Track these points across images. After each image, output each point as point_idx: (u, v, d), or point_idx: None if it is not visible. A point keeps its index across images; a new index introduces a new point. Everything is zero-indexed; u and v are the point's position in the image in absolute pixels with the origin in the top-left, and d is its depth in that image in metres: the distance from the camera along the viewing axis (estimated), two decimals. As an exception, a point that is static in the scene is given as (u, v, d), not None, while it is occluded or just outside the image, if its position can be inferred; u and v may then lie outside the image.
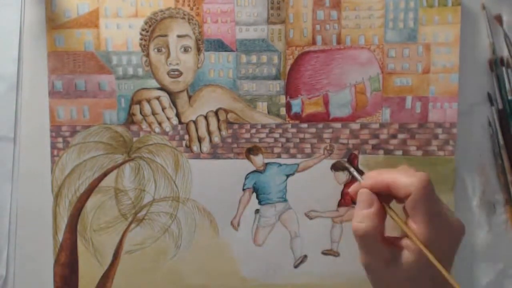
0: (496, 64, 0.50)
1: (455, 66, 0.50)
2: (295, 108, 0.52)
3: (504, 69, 0.50)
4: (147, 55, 0.52)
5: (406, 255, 0.37)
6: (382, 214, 0.39)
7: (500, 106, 0.50)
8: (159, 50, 0.52)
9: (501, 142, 0.50)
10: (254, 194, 0.52)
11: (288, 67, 0.51)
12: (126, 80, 0.52)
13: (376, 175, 0.40)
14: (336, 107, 0.51)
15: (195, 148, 0.52)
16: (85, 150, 0.53)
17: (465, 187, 0.51)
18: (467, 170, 0.51)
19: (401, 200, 0.39)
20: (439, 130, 0.51)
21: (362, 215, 0.39)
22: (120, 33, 0.52)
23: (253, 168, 0.52)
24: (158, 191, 0.53)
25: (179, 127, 0.52)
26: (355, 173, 0.45)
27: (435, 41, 0.50)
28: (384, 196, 0.40)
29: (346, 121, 0.51)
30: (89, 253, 0.53)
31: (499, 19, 0.50)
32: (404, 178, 0.38)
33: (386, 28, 0.50)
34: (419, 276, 0.37)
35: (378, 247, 0.38)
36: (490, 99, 0.51)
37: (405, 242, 0.38)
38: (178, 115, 0.52)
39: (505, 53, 0.50)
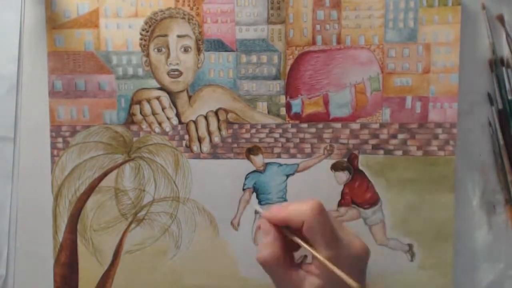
0: (496, 64, 0.50)
1: (455, 66, 0.50)
2: (295, 108, 0.52)
3: (504, 69, 0.50)
4: (147, 55, 0.52)
5: (311, 280, 0.39)
6: (282, 242, 0.40)
7: (500, 106, 0.50)
8: (159, 50, 0.52)
9: (501, 142, 0.50)
10: (254, 194, 0.52)
11: (288, 67, 0.51)
12: (126, 80, 0.52)
13: (275, 210, 0.41)
14: (336, 107, 0.51)
15: (195, 148, 0.52)
16: (85, 150, 0.53)
17: (465, 187, 0.51)
18: (467, 170, 0.51)
19: (299, 230, 0.40)
20: (439, 130, 0.51)
21: (262, 244, 0.41)
22: (120, 33, 0.52)
23: (253, 168, 0.52)
24: (158, 191, 0.53)
25: (179, 127, 0.52)
26: (258, 207, 0.49)
27: (435, 41, 0.50)
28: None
29: (346, 121, 0.51)
30: (89, 253, 0.53)
31: (501, 18, 0.50)
32: (295, 210, 0.40)
33: (386, 28, 0.50)
34: None
35: (282, 273, 0.39)
36: (490, 99, 0.51)
37: (309, 267, 0.39)
38: (178, 115, 0.52)
39: (505, 53, 0.50)
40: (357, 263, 0.39)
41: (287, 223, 0.40)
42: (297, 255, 0.43)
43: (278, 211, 0.41)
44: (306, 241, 0.39)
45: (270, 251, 0.40)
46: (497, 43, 0.50)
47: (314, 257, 0.39)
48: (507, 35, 0.50)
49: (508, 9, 0.50)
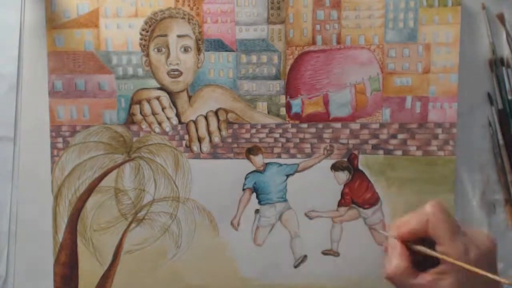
0: (496, 64, 0.50)
1: (455, 66, 0.50)
2: (295, 108, 0.52)
3: (504, 69, 0.50)
4: (147, 55, 0.52)
5: (446, 280, 0.38)
6: (407, 255, 0.41)
7: (500, 106, 0.50)
8: (159, 50, 0.52)
9: (501, 142, 0.50)
10: (254, 194, 0.52)
11: (288, 67, 0.51)
12: (126, 80, 0.52)
13: (399, 225, 0.42)
14: (336, 107, 0.51)
15: (195, 148, 0.52)
16: (85, 150, 0.53)
17: (465, 187, 0.51)
18: (467, 170, 0.51)
19: (425, 236, 0.40)
20: (439, 130, 0.51)
21: (387, 259, 0.41)
22: (120, 33, 0.52)
23: (253, 168, 0.52)
24: (158, 191, 0.53)
25: (179, 127, 0.52)
26: (384, 232, 0.48)
27: (435, 41, 0.50)
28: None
29: (346, 121, 0.51)
30: (89, 253, 0.53)
31: (501, 18, 0.50)
32: (417, 214, 0.40)
33: (386, 28, 0.50)
34: None
35: (412, 283, 0.40)
36: (490, 99, 0.51)
37: (439, 269, 0.39)
38: (178, 115, 0.52)
39: (505, 53, 0.50)
40: (487, 256, 0.39)
41: (414, 231, 0.40)
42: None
43: (402, 224, 0.41)
44: (433, 249, 0.39)
45: (395, 264, 0.40)
46: (497, 43, 0.50)
47: (441, 258, 0.38)
48: (507, 34, 0.50)
49: (508, 9, 0.50)
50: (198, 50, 0.52)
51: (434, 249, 0.39)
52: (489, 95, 0.51)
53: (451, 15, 0.50)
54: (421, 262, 0.40)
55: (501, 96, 0.50)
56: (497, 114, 0.50)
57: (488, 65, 0.50)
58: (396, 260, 0.40)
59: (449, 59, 0.50)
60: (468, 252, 0.38)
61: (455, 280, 0.38)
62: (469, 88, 0.51)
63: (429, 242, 0.40)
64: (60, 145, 0.53)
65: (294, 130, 0.52)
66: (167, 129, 0.52)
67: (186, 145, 0.52)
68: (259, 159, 0.52)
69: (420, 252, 0.40)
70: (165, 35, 0.52)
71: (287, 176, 0.52)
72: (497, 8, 0.50)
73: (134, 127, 0.53)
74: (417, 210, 0.41)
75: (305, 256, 0.52)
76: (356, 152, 0.51)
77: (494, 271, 0.40)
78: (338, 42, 0.51)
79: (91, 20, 0.52)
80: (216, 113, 0.52)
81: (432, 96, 0.50)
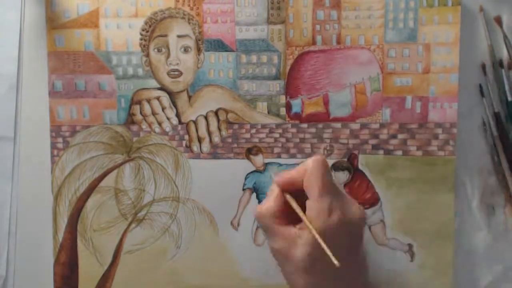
0: (494, 66, 0.50)
1: (455, 66, 0.50)
2: (295, 108, 0.52)
3: (503, 71, 0.50)
4: (147, 55, 0.52)
5: (305, 236, 0.38)
6: (281, 201, 0.41)
7: (497, 109, 0.50)
8: (159, 50, 0.52)
9: (500, 143, 0.50)
10: (254, 194, 0.52)
11: (288, 67, 0.51)
12: (126, 80, 0.52)
13: (283, 173, 0.43)
14: (336, 107, 0.51)
15: (195, 148, 0.52)
16: (85, 150, 0.53)
17: (465, 188, 0.51)
18: (467, 170, 0.51)
19: (301, 192, 0.41)
20: (439, 130, 0.51)
21: (263, 201, 0.42)
22: (120, 33, 0.52)
23: (253, 168, 0.52)
24: (158, 191, 0.53)
25: (179, 127, 0.52)
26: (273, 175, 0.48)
27: (435, 41, 0.50)
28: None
29: (346, 121, 0.51)
30: (89, 253, 0.53)
31: (498, 20, 0.50)
32: (300, 166, 0.41)
33: (386, 28, 0.50)
34: (314, 266, 0.38)
35: (275, 228, 0.40)
36: (482, 92, 0.50)
37: (303, 225, 0.39)
38: (178, 115, 0.52)
39: (504, 55, 0.50)
40: (350, 225, 0.39)
41: (292, 180, 0.40)
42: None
43: (286, 172, 0.42)
44: (303, 209, 0.39)
45: (266, 205, 0.41)
46: (496, 45, 0.50)
47: (303, 221, 0.38)
48: (505, 37, 0.50)
49: (506, 11, 0.50)
50: (198, 50, 0.52)
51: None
52: (481, 90, 0.50)
53: (451, 15, 0.50)
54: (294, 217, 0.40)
55: (500, 98, 0.50)
56: (493, 116, 0.50)
57: (483, 67, 0.50)
58: (269, 202, 0.41)
59: (449, 59, 0.50)
60: (331, 213, 0.38)
61: (311, 238, 0.38)
62: (469, 88, 0.51)
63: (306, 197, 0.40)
64: (60, 145, 0.53)
65: (294, 130, 0.52)
66: (167, 129, 0.52)
67: (186, 145, 0.52)
68: (259, 159, 0.52)
69: (290, 203, 0.40)
70: (165, 35, 0.52)
71: (287, 176, 0.52)
72: (496, 10, 0.50)
73: (134, 127, 0.53)
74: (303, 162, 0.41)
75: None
76: (356, 152, 0.51)
77: (355, 247, 0.40)
78: (338, 42, 0.51)
79: (91, 20, 0.52)
80: (216, 113, 0.52)
81: (432, 96, 0.50)
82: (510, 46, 0.50)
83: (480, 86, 0.50)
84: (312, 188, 0.39)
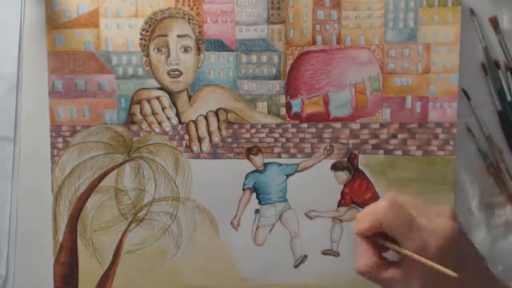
0: (490, 67, 0.50)
1: (455, 66, 0.50)
2: (295, 108, 0.52)
3: (500, 71, 0.50)
4: (147, 55, 0.52)
5: (417, 272, 0.38)
6: (374, 249, 0.41)
7: (499, 108, 0.50)
8: (159, 50, 0.52)
9: (501, 143, 0.50)
10: (254, 194, 0.52)
11: (288, 67, 0.51)
12: (126, 80, 0.52)
13: (359, 221, 0.42)
14: (336, 107, 0.51)
15: (195, 148, 0.52)
16: (85, 150, 0.53)
17: (465, 188, 0.51)
18: (467, 170, 0.51)
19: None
20: (439, 130, 0.51)
21: (358, 255, 0.41)
22: (120, 33, 0.52)
23: (253, 168, 0.52)
24: (158, 191, 0.53)
25: (179, 127, 0.52)
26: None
27: (435, 41, 0.50)
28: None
29: (346, 121, 0.51)
30: (89, 253, 0.53)
31: (493, 21, 0.50)
32: (371, 210, 0.40)
33: (386, 28, 0.50)
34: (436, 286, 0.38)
35: (384, 277, 0.40)
36: (485, 70, 0.50)
37: (410, 261, 0.39)
38: (178, 115, 0.52)
39: (500, 56, 0.50)
40: (450, 246, 0.38)
41: (371, 228, 0.40)
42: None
43: (361, 221, 0.41)
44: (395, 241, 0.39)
45: (363, 261, 0.40)
46: (492, 46, 0.50)
47: (406, 255, 0.38)
48: (501, 38, 0.50)
49: (501, 12, 0.50)
50: (198, 50, 0.52)
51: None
52: (465, 92, 0.50)
53: (451, 15, 0.50)
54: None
55: (500, 98, 0.50)
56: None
57: (482, 68, 0.50)
58: (362, 256, 0.40)
59: (449, 59, 0.50)
60: (426, 246, 0.37)
61: (422, 268, 0.37)
62: (469, 88, 0.51)
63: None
64: (60, 145, 0.53)
65: (294, 130, 0.52)
66: (167, 129, 0.52)
67: (186, 145, 0.52)
68: (259, 159, 0.52)
69: (385, 245, 0.40)
70: (165, 35, 0.52)
71: (287, 176, 0.52)
72: (493, 10, 0.50)
73: (134, 127, 0.53)
74: (374, 205, 0.40)
75: (305, 256, 0.52)
76: (356, 152, 0.51)
77: (465, 250, 0.39)
78: (338, 42, 0.51)
79: (91, 20, 0.52)
80: (216, 113, 0.52)
81: (432, 96, 0.50)
82: (506, 47, 0.50)
83: (464, 90, 0.50)
84: (397, 232, 0.38)
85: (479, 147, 0.51)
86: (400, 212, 0.39)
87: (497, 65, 0.50)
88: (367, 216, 0.41)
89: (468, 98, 0.50)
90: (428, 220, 0.39)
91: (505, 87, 0.50)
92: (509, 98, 0.50)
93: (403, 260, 0.40)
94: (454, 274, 0.35)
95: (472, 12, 0.50)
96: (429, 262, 0.36)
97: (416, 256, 0.37)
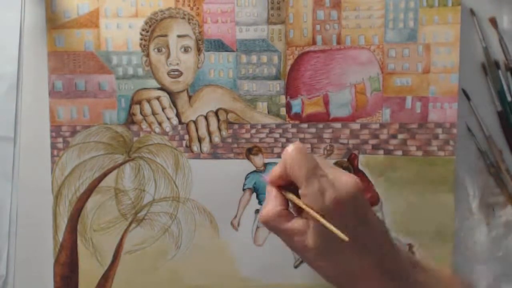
0: (491, 67, 0.50)
1: (455, 66, 0.50)
2: (295, 108, 0.52)
3: (500, 72, 0.50)
4: (147, 55, 0.52)
5: (315, 224, 0.38)
6: (281, 199, 0.40)
7: (499, 108, 0.50)
8: (159, 50, 0.52)
9: (501, 143, 0.50)
10: (254, 194, 0.52)
11: (288, 67, 0.51)
12: (126, 80, 0.52)
13: (272, 171, 0.41)
14: (336, 107, 0.51)
15: (195, 148, 0.52)
16: (85, 150, 0.53)
17: (465, 188, 0.51)
18: (467, 170, 0.51)
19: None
20: (439, 130, 0.51)
21: (264, 205, 0.41)
22: (120, 33, 0.52)
23: (253, 168, 0.52)
24: (158, 191, 0.53)
25: (179, 127, 0.52)
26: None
27: (435, 41, 0.50)
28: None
29: (346, 121, 0.51)
30: (89, 253, 0.53)
31: (493, 22, 0.50)
32: (281, 159, 0.40)
33: (386, 28, 0.50)
34: (330, 248, 0.38)
35: (284, 226, 0.39)
36: (485, 70, 0.50)
37: (306, 214, 0.38)
38: (178, 115, 0.52)
39: (500, 56, 0.50)
40: (349, 201, 0.37)
41: (279, 175, 0.40)
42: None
43: (273, 169, 0.41)
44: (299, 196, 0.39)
45: (268, 208, 0.39)
46: (492, 46, 0.50)
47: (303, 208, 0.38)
48: (501, 37, 0.50)
49: (501, 11, 0.50)
50: (198, 50, 0.52)
51: None
52: (465, 92, 0.50)
53: (451, 15, 0.50)
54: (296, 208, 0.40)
55: (500, 99, 0.50)
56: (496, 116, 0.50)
57: (481, 68, 0.50)
58: (269, 203, 0.40)
59: (449, 59, 0.50)
60: (324, 193, 0.37)
61: (317, 224, 0.37)
62: (469, 88, 0.51)
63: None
64: (60, 145, 0.53)
65: (294, 130, 0.52)
66: (167, 129, 0.52)
67: (186, 145, 0.52)
68: (259, 159, 0.52)
69: (286, 196, 0.40)
70: (165, 35, 0.52)
71: (287, 176, 0.52)
72: (493, 10, 0.50)
73: (134, 127, 0.53)
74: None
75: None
76: (356, 152, 0.51)
77: (362, 216, 0.38)
78: (338, 42, 0.51)
79: (91, 20, 0.52)
80: (216, 113, 0.52)
81: (432, 96, 0.50)
82: (506, 47, 0.50)
83: (464, 90, 0.50)
84: (298, 177, 0.38)
85: (479, 147, 0.51)
86: (305, 155, 0.38)
87: (497, 65, 0.50)
88: (277, 165, 0.40)
89: (468, 98, 0.50)
90: (332, 172, 0.38)
91: (505, 87, 0.50)
92: (509, 98, 0.50)
93: (302, 213, 0.39)
94: (345, 238, 0.34)
95: (472, 12, 0.50)
96: (322, 220, 0.36)
97: (311, 210, 0.36)
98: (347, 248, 0.37)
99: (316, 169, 0.38)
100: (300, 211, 0.40)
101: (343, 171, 0.39)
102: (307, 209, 0.37)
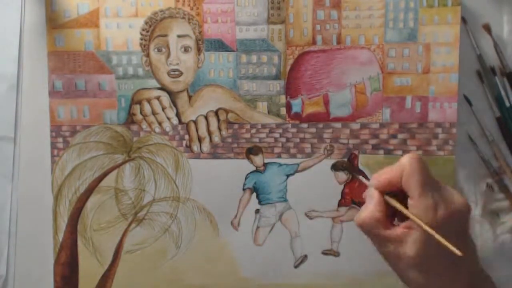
0: (486, 74, 0.50)
1: (455, 66, 0.50)
2: (295, 108, 0.52)
3: (497, 78, 0.50)
4: (147, 55, 0.52)
5: (415, 236, 0.38)
6: (383, 207, 0.40)
7: (498, 114, 0.50)
8: (159, 50, 0.52)
9: (502, 148, 0.50)
10: (254, 194, 0.52)
11: (288, 67, 0.51)
12: (126, 80, 0.52)
13: (377, 175, 0.42)
14: (336, 107, 0.51)
15: (195, 148, 0.52)
16: (85, 150, 0.53)
17: (467, 196, 0.51)
18: (469, 178, 0.51)
19: (402, 194, 0.40)
20: (439, 130, 0.51)
21: (362, 207, 0.41)
22: (120, 33, 0.52)
23: (253, 168, 0.52)
24: (158, 191, 0.53)
25: (179, 127, 0.52)
26: (362, 178, 0.48)
27: (435, 41, 0.50)
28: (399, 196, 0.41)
29: (346, 121, 0.51)
30: (89, 253, 0.53)
31: (487, 28, 0.50)
32: (395, 165, 0.40)
33: (386, 28, 0.50)
34: (428, 261, 0.38)
35: (381, 233, 0.39)
36: (493, 71, 0.50)
37: (410, 224, 0.39)
38: (178, 115, 0.52)
39: (496, 62, 0.50)
40: (457, 217, 0.38)
41: (390, 181, 0.40)
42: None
43: (381, 174, 0.41)
44: (407, 208, 0.39)
45: (368, 213, 0.40)
46: (486, 53, 0.50)
47: (410, 217, 0.38)
48: (495, 43, 0.50)
49: (494, 18, 0.50)
50: (198, 50, 0.52)
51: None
52: (466, 97, 0.50)
53: (451, 15, 0.50)
54: (399, 216, 0.40)
55: (498, 104, 0.50)
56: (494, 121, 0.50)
57: (476, 75, 0.50)
58: (371, 208, 0.40)
59: (449, 59, 0.50)
60: (436, 208, 0.37)
61: (420, 235, 0.37)
62: (469, 88, 0.51)
63: (406, 195, 0.39)
64: (60, 145, 0.53)
65: (294, 130, 0.52)
66: (167, 129, 0.52)
67: (186, 145, 0.52)
68: (259, 159, 0.52)
69: (392, 205, 0.40)
70: (165, 35, 0.52)
71: (287, 176, 0.52)
72: (491, 14, 0.50)
73: (134, 127, 0.53)
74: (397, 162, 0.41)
75: (305, 256, 0.52)
76: (356, 152, 0.51)
77: (463, 235, 0.39)
78: (338, 42, 0.51)
79: (91, 20, 0.52)
80: (216, 113, 0.52)
81: (432, 96, 0.51)
82: (501, 53, 0.50)
83: (465, 96, 0.50)
84: (413, 187, 0.38)
85: (481, 153, 0.50)
86: (424, 166, 0.39)
87: (493, 71, 0.50)
88: (387, 171, 0.40)
89: (470, 103, 0.50)
90: (445, 188, 0.39)
91: (503, 93, 0.50)
92: (507, 104, 0.50)
93: (403, 221, 0.39)
94: (459, 253, 0.35)
95: (464, 20, 0.50)
96: (436, 235, 0.36)
97: (421, 223, 0.37)
98: (445, 263, 0.37)
99: (433, 183, 0.39)
100: (401, 217, 0.40)
101: (454, 189, 0.40)
102: (417, 221, 0.37)
